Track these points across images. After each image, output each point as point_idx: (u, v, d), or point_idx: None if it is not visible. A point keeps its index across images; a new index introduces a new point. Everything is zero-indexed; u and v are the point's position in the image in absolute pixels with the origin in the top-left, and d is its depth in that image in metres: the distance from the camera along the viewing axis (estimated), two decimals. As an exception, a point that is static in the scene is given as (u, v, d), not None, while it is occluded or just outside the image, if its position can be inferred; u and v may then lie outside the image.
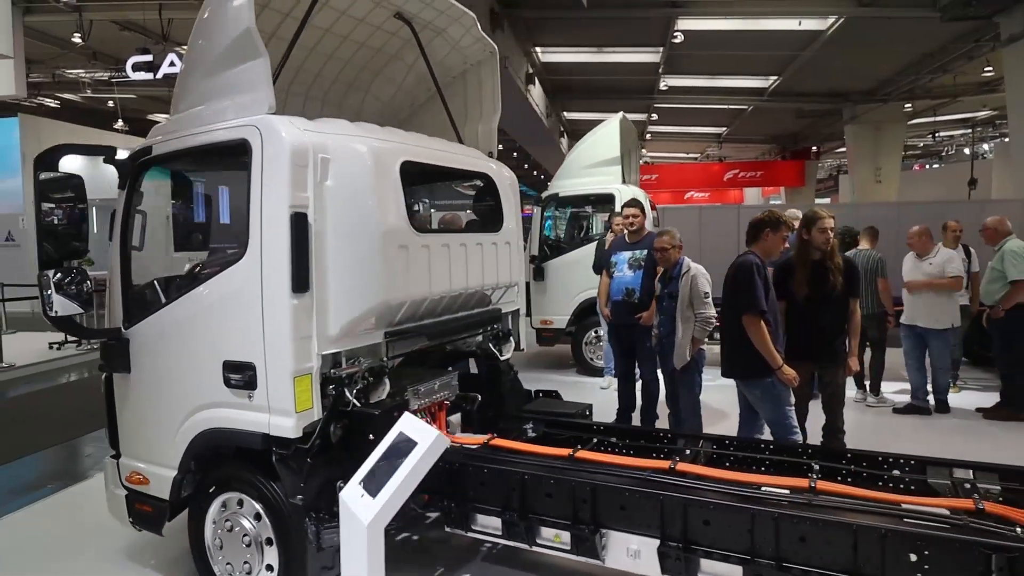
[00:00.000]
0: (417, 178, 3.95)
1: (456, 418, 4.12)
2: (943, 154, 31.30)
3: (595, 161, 8.18)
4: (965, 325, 7.00)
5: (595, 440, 3.79)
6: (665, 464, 3.19)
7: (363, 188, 3.09)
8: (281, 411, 2.91)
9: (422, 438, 2.30)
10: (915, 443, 5.62)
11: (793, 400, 4.15)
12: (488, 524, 3.34)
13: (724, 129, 25.71)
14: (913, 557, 2.40)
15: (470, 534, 3.42)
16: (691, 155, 32.43)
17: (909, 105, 19.48)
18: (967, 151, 26.60)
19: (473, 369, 4.57)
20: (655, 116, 22.73)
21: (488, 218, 4.26)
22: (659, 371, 5.26)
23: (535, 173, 30.70)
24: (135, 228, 3.51)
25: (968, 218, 7.60)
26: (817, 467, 3.22)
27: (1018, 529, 2.44)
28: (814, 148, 26.13)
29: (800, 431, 4.13)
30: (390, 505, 2.17)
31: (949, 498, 2.77)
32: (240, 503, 3.17)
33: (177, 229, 3.84)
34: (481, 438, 3.73)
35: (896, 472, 3.24)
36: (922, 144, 29.45)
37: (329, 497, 2.97)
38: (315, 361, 2.96)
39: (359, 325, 3.12)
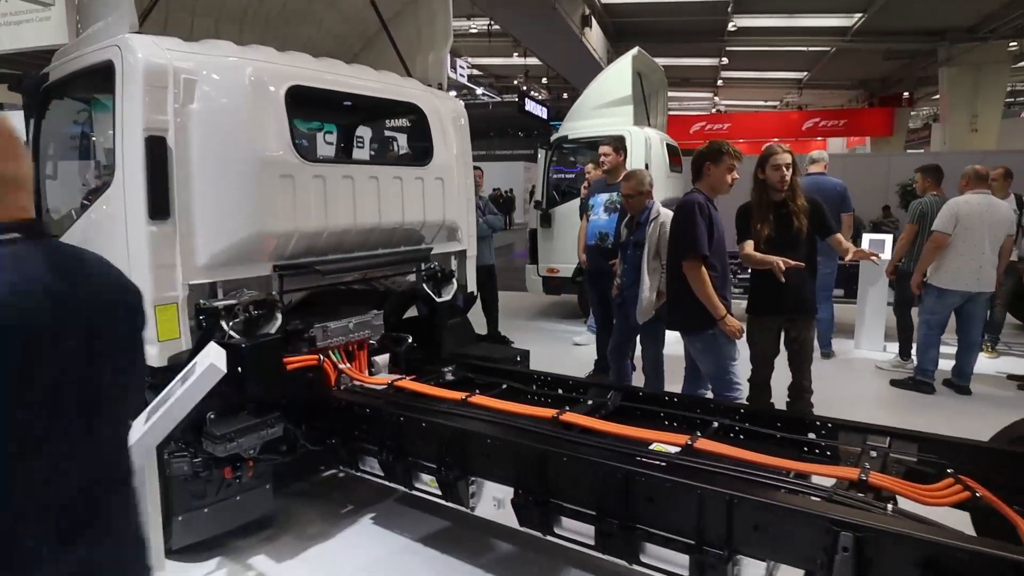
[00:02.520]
0: (337, 109, 3.78)
1: (383, 359, 4.02)
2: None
3: (606, 101, 7.69)
4: (1010, 284, 6.22)
5: (505, 387, 3.61)
6: (551, 413, 2.98)
7: (235, 113, 2.96)
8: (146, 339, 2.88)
9: (200, 367, 2.20)
10: (898, 414, 5.06)
11: (737, 356, 3.78)
12: (374, 465, 3.26)
13: (804, 74, 23.82)
14: (758, 527, 2.12)
15: (358, 474, 3.36)
16: (770, 103, 30.37)
17: (1015, 43, 17.28)
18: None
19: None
20: (726, 60, 21.29)
21: (417, 151, 4.05)
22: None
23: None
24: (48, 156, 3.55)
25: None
26: (716, 425, 2.93)
27: (889, 506, 2.10)
28: (906, 94, 23.79)
29: (741, 388, 3.77)
30: (151, 433, 2.10)
31: (835, 466, 2.42)
32: (130, 429, 3.21)
33: (79, 155, 3.87)
34: (388, 379, 3.62)
35: (812, 436, 2.88)
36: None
37: (197, 428, 2.95)
38: (181, 290, 2.91)
39: (233, 256, 3.03)
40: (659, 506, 2.32)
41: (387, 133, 5.37)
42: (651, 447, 2.70)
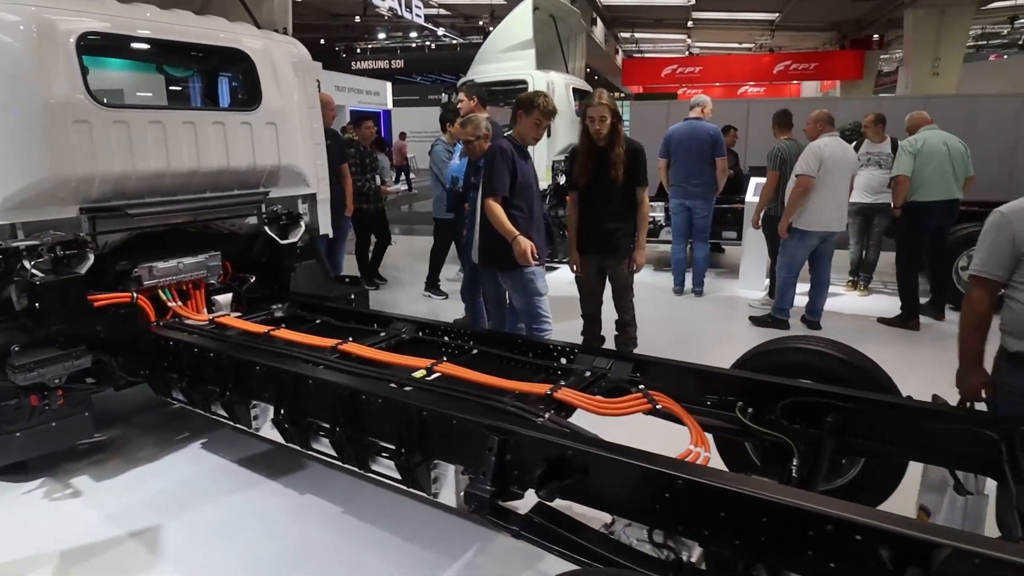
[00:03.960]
0: (152, 55, 3.86)
1: (225, 298, 4.24)
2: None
3: (509, 45, 7.70)
4: (883, 224, 6.44)
5: (318, 322, 3.85)
6: (331, 343, 3.22)
7: (18, 59, 3.08)
8: (-60, 276, 3.09)
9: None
10: (746, 347, 5.29)
11: (545, 292, 4.01)
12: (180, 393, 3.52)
13: (776, 15, 23.40)
14: (443, 435, 2.38)
15: (170, 400, 3.63)
16: (744, 45, 29.88)
17: (979, -16, 17.01)
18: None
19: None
20: (693, 0, 20.90)
21: (247, 96, 4.17)
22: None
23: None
24: None
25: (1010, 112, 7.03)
26: (476, 351, 3.19)
27: (546, 416, 2.36)
28: (876, 36, 23.46)
29: (550, 321, 4.01)
30: None
31: (534, 384, 2.68)
32: (-47, 362, 3.44)
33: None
34: (208, 316, 3.85)
35: (563, 361, 3.14)
36: (1006, 32, 25.86)
37: (2, 359, 3.19)
38: (-27, 232, 3.09)
39: (28, 198, 3.20)
40: (376, 420, 2.58)
41: (220, 78, 5.31)
42: (414, 373, 2.96)
